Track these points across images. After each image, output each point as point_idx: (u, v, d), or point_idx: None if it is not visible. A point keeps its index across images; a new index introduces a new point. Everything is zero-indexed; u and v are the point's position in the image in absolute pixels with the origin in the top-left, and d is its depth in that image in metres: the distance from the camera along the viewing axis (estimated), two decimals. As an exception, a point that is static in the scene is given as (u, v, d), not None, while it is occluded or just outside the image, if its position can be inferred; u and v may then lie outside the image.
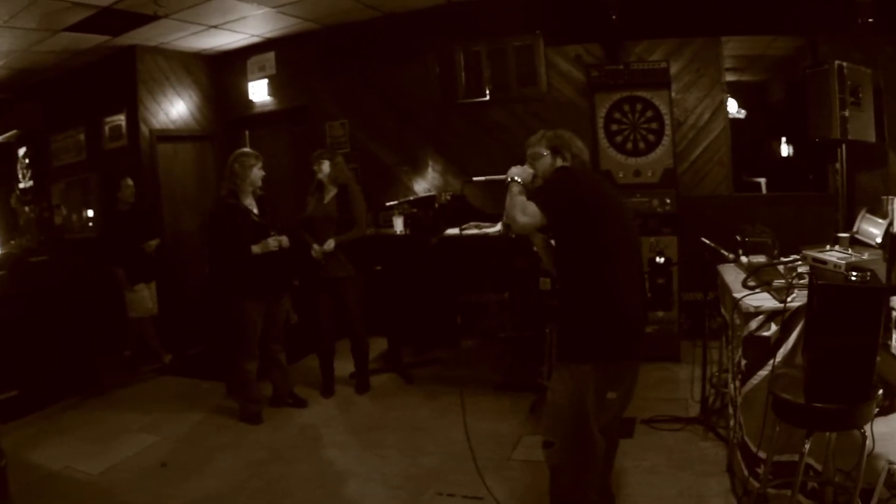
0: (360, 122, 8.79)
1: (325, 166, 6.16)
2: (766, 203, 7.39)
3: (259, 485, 4.69)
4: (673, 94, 6.83)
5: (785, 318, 3.47)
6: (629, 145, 6.71)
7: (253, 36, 8.72)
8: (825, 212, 6.32)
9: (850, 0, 5.94)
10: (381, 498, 4.42)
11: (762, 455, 3.43)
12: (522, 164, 3.48)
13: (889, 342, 3.45)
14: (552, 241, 3.47)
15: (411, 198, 7.83)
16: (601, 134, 6.77)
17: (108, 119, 8.94)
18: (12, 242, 9.99)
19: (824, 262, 3.61)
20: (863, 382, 2.80)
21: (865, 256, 3.61)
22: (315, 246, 6.09)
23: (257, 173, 5.70)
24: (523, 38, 7.70)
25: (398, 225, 6.89)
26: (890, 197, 4.20)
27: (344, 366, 6.63)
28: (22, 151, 10.51)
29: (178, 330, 8.04)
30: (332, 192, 6.21)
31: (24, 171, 10.45)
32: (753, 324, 3.60)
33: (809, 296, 2.93)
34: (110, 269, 7.39)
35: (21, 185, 10.53)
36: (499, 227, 6.17)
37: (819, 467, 3.40)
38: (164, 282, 7.84)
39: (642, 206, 6.43)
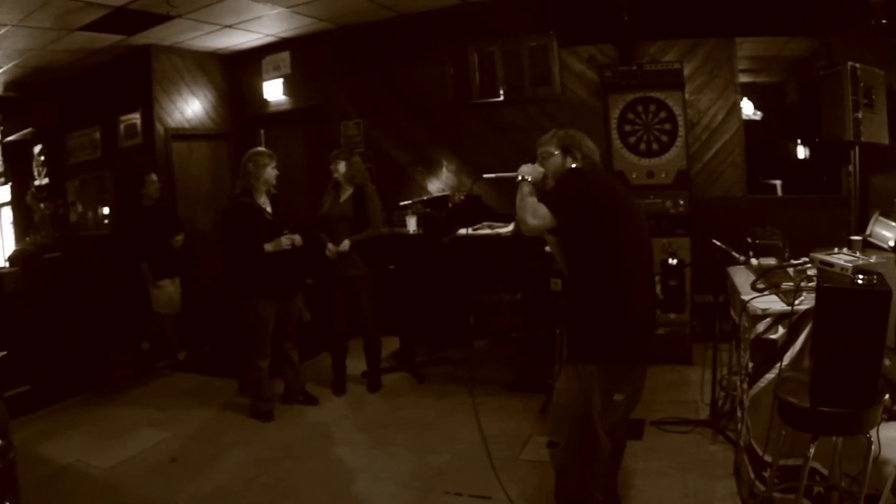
0: (375, 122, 8.82)
1: (342, 166, 6.19)
2: (779, 205, 7.35)
3: (268, 481, 4.72)
4: (686, 95, 6.82)
5: (793, 322, 3.46)
6: (642, 146, 6.71)
7: (268, 35, 8.76)
8: (839, 214, 6.27)
9: (864, 1, 5.91)
10: (388, 496, 4.43)
11: (768, 458, 3.42)
12: (534, 162, 3.48)
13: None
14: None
15: (425, 197, 7.85)
16: (614, 135, 6.78)
17: (124, 117, 8.99)
18: (27, 239, 10.05)
19: (831, 264, 3.59)
20: (868, 386, 2.78)
21: (873, 259, 3.58)
22: (330, 245, 6.11)
23: (271, 172, 5.73)
24: (537, 38, 7.70)
25: (411, 224, 6.90)
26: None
27: (356, 364, 6.66)
28: (37, 149, 10.58)
29: (192, 327, 8.08)
30: (348, 192, 6.23)
31: (40, 168, 10.52)
32: (761, 326, 3.59)
33: (816, 299, 2.92)
34: (135, 265, 7.45)
35: (36, 183, 10.59)
36: (511, 227, 6.19)
37: (825, 471, 3.39)
38: (182, 279, 7.89)
39: (655, 208, 6.43)
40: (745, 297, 3.74)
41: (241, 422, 5.88)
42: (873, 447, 2.91)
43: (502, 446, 4.84)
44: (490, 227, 6.53)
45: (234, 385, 6.66)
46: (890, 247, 3.96)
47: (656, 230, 6.20)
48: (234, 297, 6.01)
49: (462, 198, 7.67)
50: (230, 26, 8.06)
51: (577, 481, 3.20)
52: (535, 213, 3.09)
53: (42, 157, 10.49)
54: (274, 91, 9.35)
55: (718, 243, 4.68)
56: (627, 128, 6.75)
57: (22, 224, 10.99)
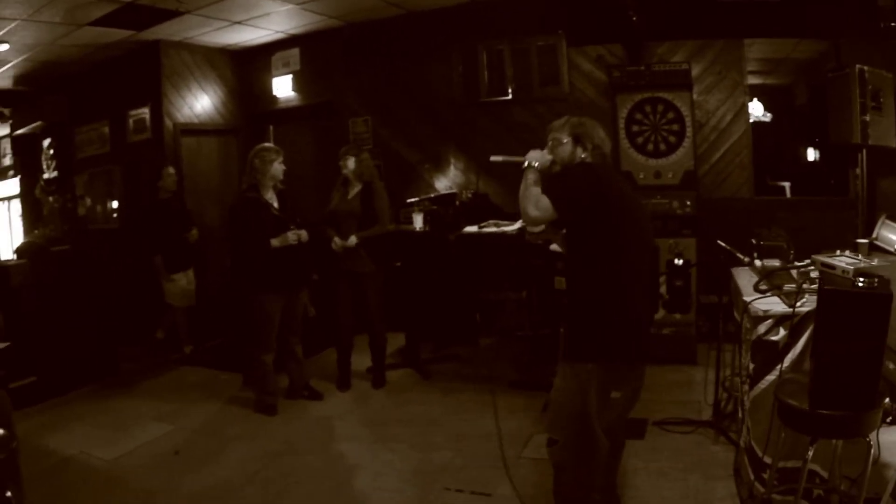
0: (383, 119, 8.84)
1: (351, 162, 6.20)
2: (786, 207, 7.33)
3: (270, 475, 4.73)
4: (694, 96, 6.81)
5: (794, 323, 3.46)
6: (650, 146, 6.70)
7: (277, 32, 8.78)
8: (846, 216, 6.25)
9: (873, 3, 5.88)
10: (389, 492, 4.44)
11: (768, 460, 3.42)
12: (543, 148, 3.48)
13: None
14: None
15: (432, 195, 7.86)
16: (622, 135, 6.77)
17: (133, 112, 9.03)
18: (36, 232, 10.10)
19: (833, 267, 3.58)
20: (868, 389, 2.78)
21: (876, 262, 3.57)
22: (336, 239, 6.12)
23: (278, 168, 5.74)
24: (546, 37, 7.71)
25: (418, 222, 6.88)
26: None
27: (362, 360, 6.67)
28: (47, 143, 10.62)
29: (201, 322, 8.12)
30: (356, 188, 6.25)
31: (49, 161, 10.57)
32: (762, 328, 3.58)
33: (817, 301, 2.92)
34: (148, 258, 7.49)
35: (45, 176, 10.64)
36: (517, 225, 6.19)
37: (825, 474, 3.39)
38: (195, 272, 7.94)
39: (662, 208, 6.42)
40: (748, 299, 3.74)
41: (245, 416, 5.90)
42: (873, 450, 2.90)
43: (505, 443, 4.84)
44: (496, 224, 6.52)
45: (240, 379, 6.68)
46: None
47: (663, 230, 6.20)
48: (241, 293, 6.04)
49: (469, 196, 7.68)
50: (239, 22, 8.09)
51: (575, 479, 3.21)
52: (538, 205, 3.10)
53: (51, 151, 10.53)
54: (283, 87, 9.38)
55: (723, 244, 4.68)
56: (635, 128, 6.74)
57: (31, 217, 11.06)
